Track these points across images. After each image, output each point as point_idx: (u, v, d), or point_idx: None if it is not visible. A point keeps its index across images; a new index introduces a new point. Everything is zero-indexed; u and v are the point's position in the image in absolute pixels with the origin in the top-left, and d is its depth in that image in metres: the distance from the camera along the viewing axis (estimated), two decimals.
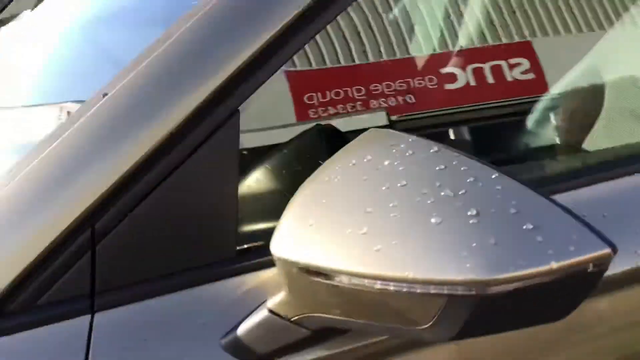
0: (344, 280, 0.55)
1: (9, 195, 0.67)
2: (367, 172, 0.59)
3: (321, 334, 0.65)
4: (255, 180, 0.79)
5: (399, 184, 0.57)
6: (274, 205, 0.79)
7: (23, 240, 0.66)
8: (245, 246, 0.74)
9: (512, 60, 1.45)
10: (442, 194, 0.55)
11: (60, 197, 0.67)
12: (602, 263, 0.53)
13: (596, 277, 0.55)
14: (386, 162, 0.59)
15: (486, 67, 1.44)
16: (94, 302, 0.68)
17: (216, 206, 0.71)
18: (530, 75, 1.44)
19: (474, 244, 0.52)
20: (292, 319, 0.63)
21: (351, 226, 0.56)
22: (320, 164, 0.65)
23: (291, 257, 0.57)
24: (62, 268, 0.67)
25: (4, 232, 0.66)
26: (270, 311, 0.64)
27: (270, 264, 0.68)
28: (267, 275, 0.71)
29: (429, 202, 0.55)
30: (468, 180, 0.56)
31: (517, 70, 1.44)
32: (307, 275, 0.57)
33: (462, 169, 0.57)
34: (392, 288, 0.53)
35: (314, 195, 0.60)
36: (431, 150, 0.60)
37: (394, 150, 0.60)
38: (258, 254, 0.72)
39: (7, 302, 0.66)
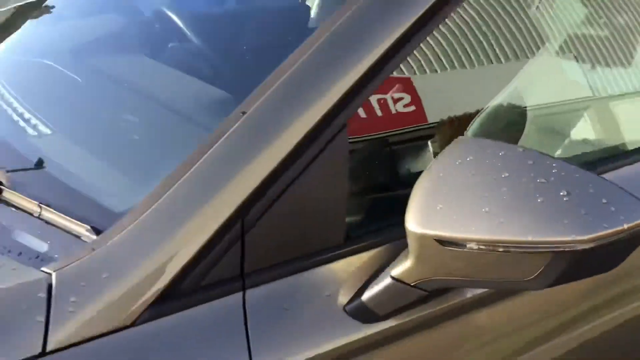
0: (473, 247, 0.74)
1: (176, 196, 0.80)
2: (472, 169, 0.79)
3: (435, 294, 0.83)
4: (359, 181, 0.96)
5: (502, 176, 0.77)
6: (373, 199, 0.98)
7: (188, 233, 0.80)
8: (352, 234, 0.91)
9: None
10: (538, 180, 0.76)
11: (217, 198, 0.81)
12: None
13: (635, 243, 0.77)
14: (486, 161, 0.79)
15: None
16: (244, 281, 0.83)
17: (331, 202, 0.88)
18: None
19: (571, 214, 0.73)
20: (413, 284, 0.82)
21: (475, 207, 0.75)
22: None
23: (427, 232, 0.75)
24: (220, 255, 0.81)
25: (174, 227, 0.79)
26: (394, 278, 0.82)
27: (369, 247, 0.88)
28: (369, 255, 0.89)
29: (531, 186, 0.75)
30: (553, 171, 0.77)
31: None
32: (439, 245, 0.75)
33: (546, 162, 0.78)
34: (512, 250, 0.73)
35: (435, 186, 0.78)
36: (519, 150, 0.80)
37: (488, 151, 0.80)
38: (360, 240, 0.90)
39: (178, 286, 0.79)
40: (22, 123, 1.08)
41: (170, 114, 1.09)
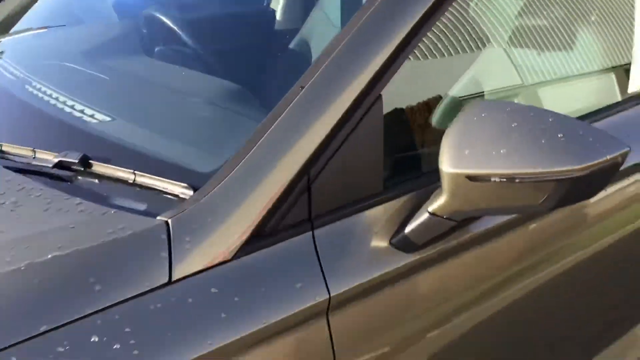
0: (496, 180, 0.96)
1: (255, 157, 1.00)
2: (487, 122, 1.00)
3: (463, 223, 1.05)
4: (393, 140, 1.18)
5: (512, 125, 0.99)
6: (404, 156, 1.19)
7: (267, 186, 0.99)
8: (387, 183, 1.12)
9: None
10: (539, 127, 0.99)
11: (287, 157, 1.01)
12: (624, 157, 0.99)
13: (617, 167, 1.01)
14: (498, 115, 1.01)
15: None
16: (312, 223, 1.02)
17: (371, 159, 1.08)
18: None
19: (567, 150, 0.95)
20: (446, 216, 1.03)
21: (494, 149, 0.97)
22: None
23: (459, 171, 0.97)
24: (292, 202, 1.01)
25: (256, 182, 0.99)
26: (430, 213, 1.03)
27: (403, 193, 1.09)
28: (404, 199, 1.10)
29: (536, 131, 0.98)
30: (550, 119, 1.00)
31: None
32: (469, 181, 0.97)
33: (544, 113, 1.01)
34: (525, 180, 0.95)
35: (460, 137, 1.00)
36: (522, 106, 1.03)
37: (497, 108, 1.02)
38: (396, 188, 1.11)
39: (263, 228, 0.98)
40: (107, 106, 1.25)
41: (238, 88, 1.29)
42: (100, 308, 0.85)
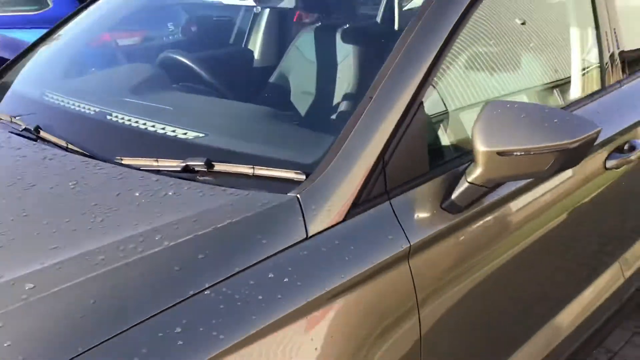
0: (517, 154, 1.38)
1: (348, 148, 1.38)
2: (503, 114, 1.42)
3: (490, 190, 1.47)
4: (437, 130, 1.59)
5: (522, 115, 1.42)
6: (441, 145, 1.60)
7: (358, 168, 1.37)
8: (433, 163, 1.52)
9: None
10: (540, 115, 1.42)
11: (368, 149, 1.39)
12: (598, 134, 1.44)
13: (594, 141, 1.45)
14: (509, 110, 1.43)
15: None
16: (388, 195, 1.41)
17: (419, 148, 1.49)
18: None
19: (564, 129, 1.39)
20: (480, 184, 1.44)
21: (513, 133, 1.39)
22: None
23: (491, 149, 1.38)
24: (375, 179, 1.39)
25: (351, 166, 1.36)
26: (469, 182, 1.44)
27: (445, 171, 1.50)
28: (444, 176, 1.51)
29: (539, 118, 1.41)
30: (546, 110, 1.44)
31: None
32: (498, 156, 1.38)
33: (542, 107, 1.45)
34: (538, 153, 1.38)
35: (487, 125, 1.41)
36: (525, 103, 1.46)
37: (508, 106, 1.45)
38: (438, 169, 1.52)
39: (358, 199, 1.36)
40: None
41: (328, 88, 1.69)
42: (270, 254, 1.21)
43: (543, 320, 1.94)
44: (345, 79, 1.94)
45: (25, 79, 2.20)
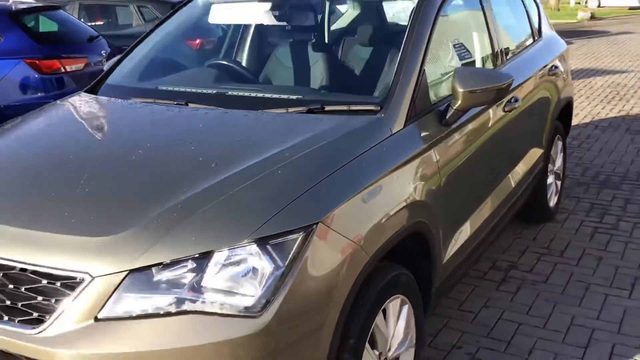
0: (478, 92, 2.73)
1: (398, 89, 2.66)
2: (470, 72, 2.78)
3: (465, 112, 2.83)
4: None
5: (477, 73, 2.78)
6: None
7: (407, 98, 2.66)
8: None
9: None
10: (483, 72, 2.79)
11: (407, 92, 2.70)
12: (513, 80, 2.85)
13: (511, 85, 2.85)
14: (471, 70, 2.79)
15: None
16: (417, 117, 2.71)
17: (426, 95, 2.81)
18: None
19: (498, 77, 2.77)
20: (459, 109, 2.80)
21: (475, 80, 2.75)
22: None
23: (465, 89, 2.72)
24: (412, 109, 2.73)
25: (404, 97, 2.66)
26: (453, 109, 2.80)
27: (438, 106, 2.85)
28: (439, 109, 2.83)
29: (483, 74, 2.78)
30: (484, 70, 2.81)
31: None
32: (469, 93, 2.74)
33: (480, 69, 2.84)
34: (488, 90, 2.74)
35: (462, 76, 2.75)
36: (476, 68, 2.84)
37: (470, 69, 2.81)
38: (437, 104, 2.85)
39: (411, 114, 2.67)
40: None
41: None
42: (377, 143, 2.46)
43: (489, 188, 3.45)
44: (388, 57, 3.22)
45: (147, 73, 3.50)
